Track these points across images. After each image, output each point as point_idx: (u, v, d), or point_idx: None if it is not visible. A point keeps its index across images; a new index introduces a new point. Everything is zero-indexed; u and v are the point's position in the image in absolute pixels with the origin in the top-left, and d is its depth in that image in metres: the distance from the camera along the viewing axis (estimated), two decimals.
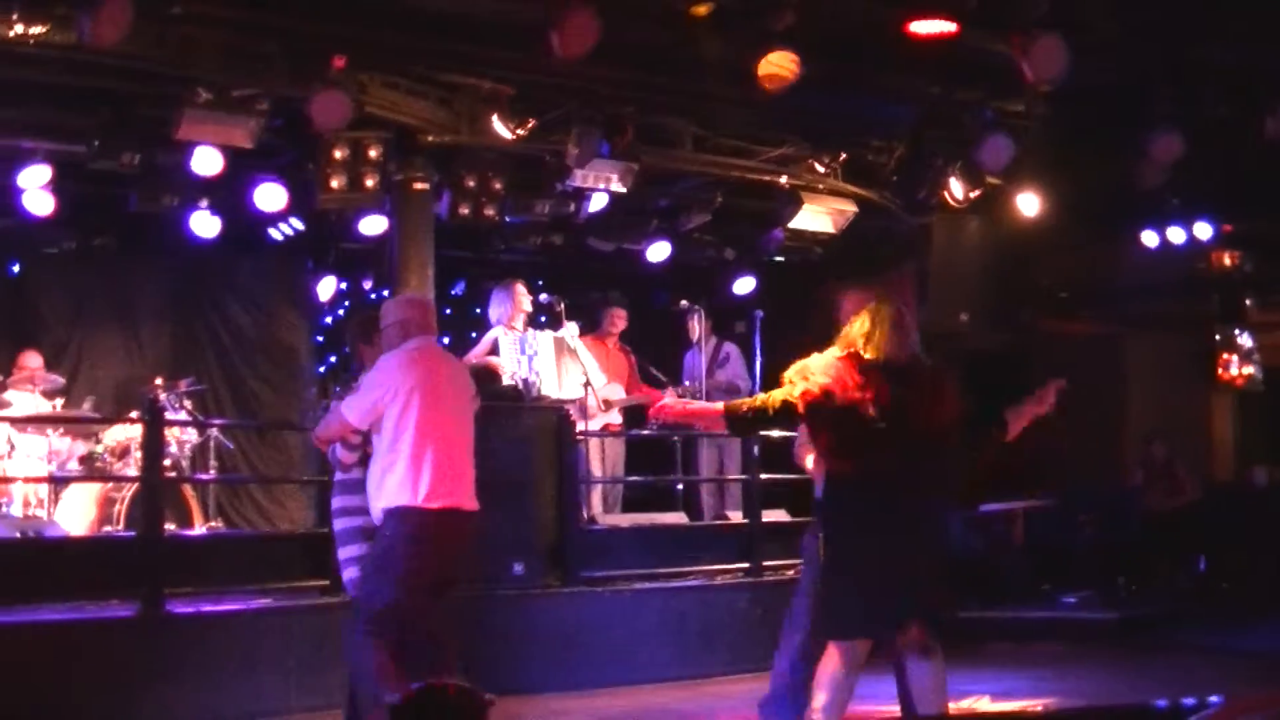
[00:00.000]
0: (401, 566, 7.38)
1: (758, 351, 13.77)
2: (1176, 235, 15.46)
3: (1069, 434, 7.21)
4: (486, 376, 12.57)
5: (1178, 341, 18.13)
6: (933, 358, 7.11)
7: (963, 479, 7.39)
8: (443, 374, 7.83)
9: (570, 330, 12.76)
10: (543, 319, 12.91)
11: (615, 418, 13.38)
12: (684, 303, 13.85)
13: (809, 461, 7.53)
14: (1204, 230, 15.38)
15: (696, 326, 13.75)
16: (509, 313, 12.66)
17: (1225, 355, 18.24)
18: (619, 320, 13.82)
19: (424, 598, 7.48)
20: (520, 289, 12.79)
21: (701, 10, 10.42)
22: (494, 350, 12.59)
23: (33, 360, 12.87)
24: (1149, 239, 15.64)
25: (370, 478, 7.59)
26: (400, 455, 7.45)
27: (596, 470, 12.98)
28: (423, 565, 7.44)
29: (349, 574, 7.85)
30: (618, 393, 13.43)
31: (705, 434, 13.59)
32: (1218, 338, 18.27)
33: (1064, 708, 9.14)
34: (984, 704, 9.06)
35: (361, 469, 7.76)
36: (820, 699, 6.85)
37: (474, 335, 13.57)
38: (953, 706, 9.05)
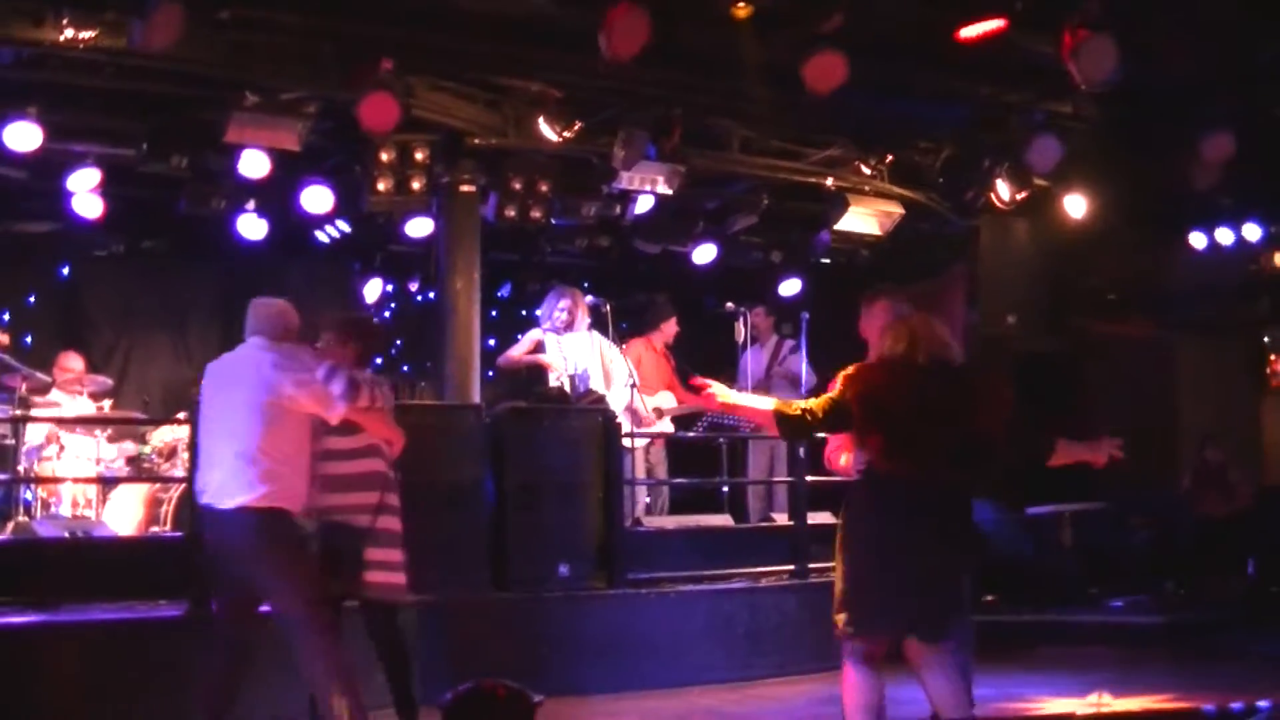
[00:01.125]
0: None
1: (804, 354, 13.74)
2: (1225, 237, 15.34)
3: (1120, 436, 6.99)
4: (531, 378, 12.61)
5: (1229, 345, 17.99)
6: (983, 361, 7.09)
7: (1007, 483, 7.32)
8: (230, 373, 7.81)
9: (605, 339, 12.78)
10: (589, 321, 12.91)
11: (668, 426, 13.38)
12: (730, 305, 13.83)
13: (842, 461, 7.43)
14: (1253, 232, 15.26)
15: (743, 329, 13.71)
16: (551, 314, 12.65)
17: (1276, 359, 18.09)
18: (672, 327, 13.81)
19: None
20: (571, 298, 12.77)
21: (742, 12, 10.40)
22: (539, 349, 12.61)
23: (73, 362, 12.91)
24: (1198, 241, 15.53)
25: None
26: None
27: (640, 474, 12.99)
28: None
29: None
30: (669, 401, 13.43)
31: (756, 436, 13.57)
32: (1268, 340, 18.13)
33: (1112, 711, 9.08)
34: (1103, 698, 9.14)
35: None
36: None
37: (518, 337, 13.58)
38: (1009, 707, 9.06)
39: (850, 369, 6.97)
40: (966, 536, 6.97)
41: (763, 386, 13.72)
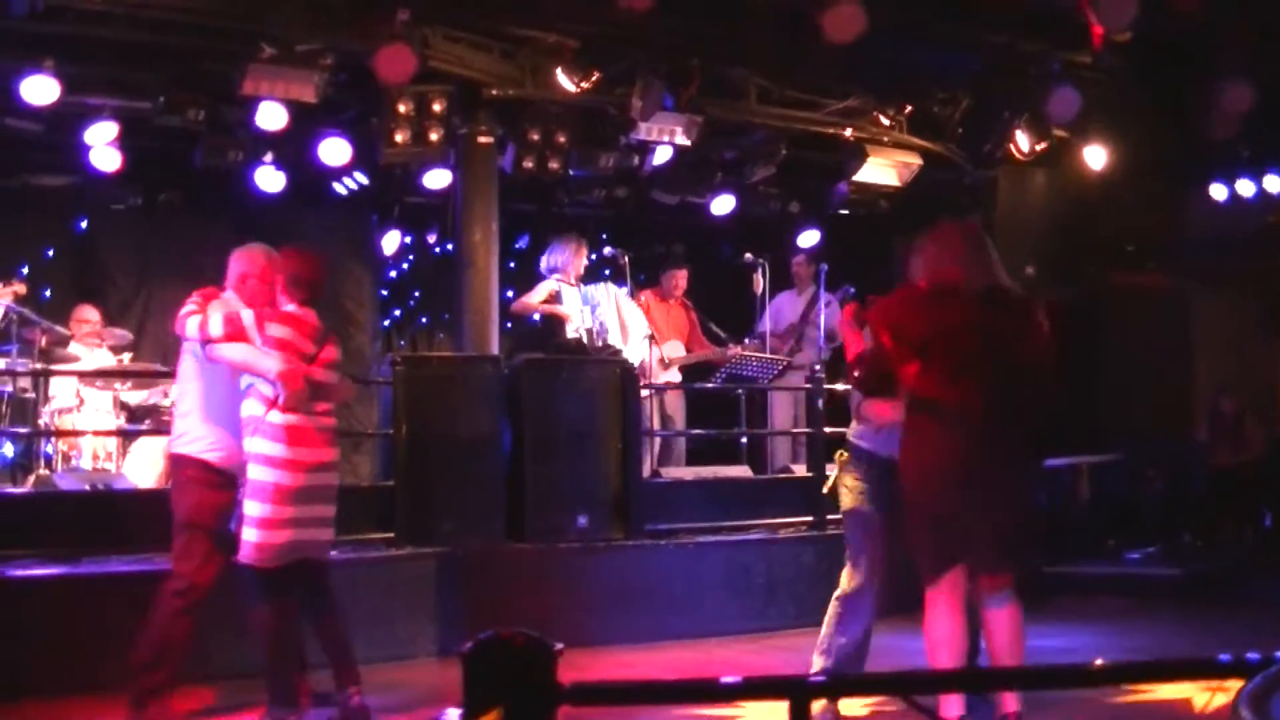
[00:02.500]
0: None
1: (821, 304, 13.75)
2: (1246, 188, 15.29)
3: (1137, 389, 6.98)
4: (552, 323, 12.62)
5: (1246, 296, 17.93)
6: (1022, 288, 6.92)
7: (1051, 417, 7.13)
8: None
9: (620, 291, 12.77)
10: (607, 271, 12.91)
11: (675, 375, 13.40)
12: (749, 256, 13.83)
13: (874, 407, 7.29)
14: (1274, 183, 15.19)
15: (762, 280, 13.71)
16: (567, 265, 12.66)
17: None
18: (680, 281, 13.81)
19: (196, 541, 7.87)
20: (582, 244, 12.77)
21: None
22: (555, 299, 12.61)
23: (90, 314, 12.93)
24: (1218, 192, 15.47)
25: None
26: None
27: (656, 425, 13.03)
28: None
29: None
30: (677, 350, 13.44)
31: (774, 387, 13.59)
32: None
33: (1128, 661, 9.08)
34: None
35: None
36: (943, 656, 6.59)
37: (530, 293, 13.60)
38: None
39: (873, 307, 6.88)
40: (1023, 472, 6.83)
41: (794, 332, 13.74)
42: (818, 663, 7.39)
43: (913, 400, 6.71)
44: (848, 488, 7.58)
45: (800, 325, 14.02)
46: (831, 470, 7.86)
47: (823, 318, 13.67)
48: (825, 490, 8.00)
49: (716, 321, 14.03)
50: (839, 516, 11.92)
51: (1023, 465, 6.83)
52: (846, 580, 7.55)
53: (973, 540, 6.56)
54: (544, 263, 13.02)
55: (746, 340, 13.66)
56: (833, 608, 7.54)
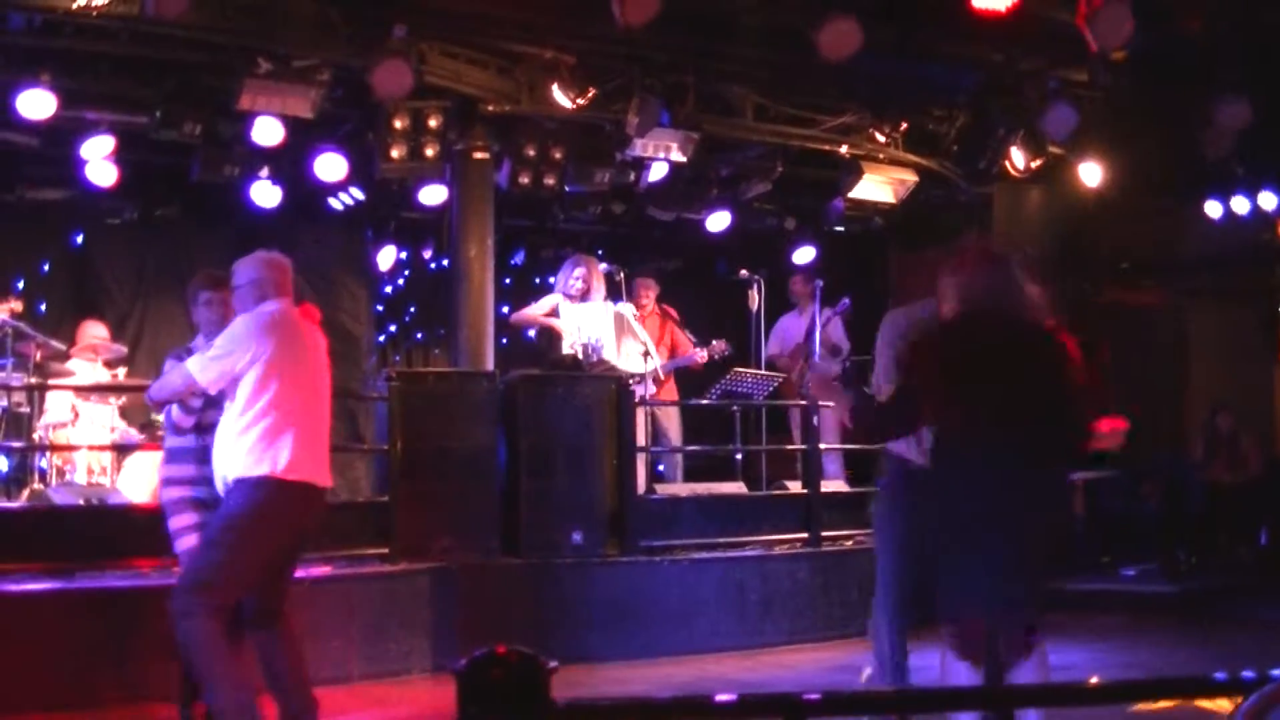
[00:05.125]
0: (247, 537, 6.93)
1: (817, 322, 13.74)
2: (1241, 205, 15.29)
3: (1132, 403, 6.71)
4: (549, 338, 12.61)
5: (1242, 313, 17.94)
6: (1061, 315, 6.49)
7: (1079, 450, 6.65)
8: (304, 341, 7.26)
9: (628, 309, 12.74)
10: (604, 291, 12.88)
11: (652, 387, 13.33)
12: (744, 272, 13.83)
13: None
14: (1269, 200, 15.20)
15: (757, 296, 13.69)
16: (584, 285, 12.52)
17: None
18: (646, 292, 13.72)
19: (262, 571, 7.04)
20: (582, 268, 12.68)
21: None
22: (555, 314, 12.59)
23: (96, 330, 12.93)
24: (1213, 209, 15.48)
25: (220, 445, 7.06)
26: (257, 424, 6.95)
27: (643, 442, 13.01)
28: (269, 538, 7.02)
29: (184, 543, 7.43)
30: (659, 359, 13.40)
31: (769, 403, 13.58)
32: None
33: (1123, 679, 9.08)
34: None
35: (195, 437, 7.44)
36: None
37: (532, 303, 13.57)
38: None
39: (893, 324, 6.71)
40: (1052, 507, 6.36)
41: (802, 352, 13.72)
42: (865, 673, 7.32)
43: (940, 439, 6.34)
44: (878, 496, 7.43)
45: (807, 345, 14.00)
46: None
47: (818, 333, 13.64)
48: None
49: (711, 335, 13.98)
50: (834, 534, 12.07)
51: (1053, 511, 6.42)
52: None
53: (990, 589, 6.10)
54: (559, 280, 12.93)
55: (713, 343, 13.47)
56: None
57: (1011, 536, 6.04)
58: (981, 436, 6.08)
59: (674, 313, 13.78)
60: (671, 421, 13.53)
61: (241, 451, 6.93)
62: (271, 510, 6.95)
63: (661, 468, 13.82)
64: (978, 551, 6.06)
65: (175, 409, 7.46)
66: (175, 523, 7.50)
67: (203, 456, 7.29)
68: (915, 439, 7.08)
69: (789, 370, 13.84)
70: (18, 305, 12.19)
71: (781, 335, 14.25)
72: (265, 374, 6.94)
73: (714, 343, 13.32)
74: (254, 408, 6.95)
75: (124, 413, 12.44)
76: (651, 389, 12.97)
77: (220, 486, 7.06)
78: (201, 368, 7.02)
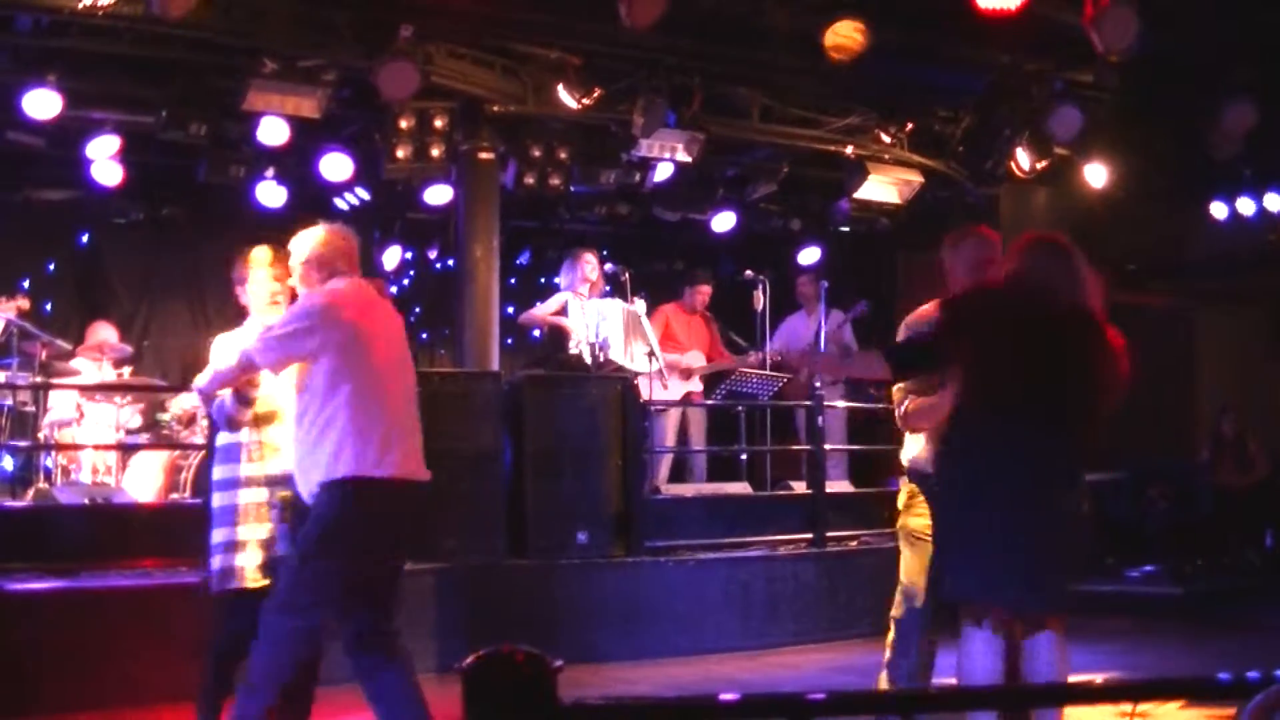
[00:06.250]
0: (343, 548, 6.13)
1: (823, 323, 13.75)
2: (1247, 207, 15.27)
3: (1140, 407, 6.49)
4: (556, 338, 12.62)
5: (1249, 315, 17.93)
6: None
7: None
8: (383, 321, 6.51)
9: (640, 306, 12.74)
10: (608, 289, 12.90)
11: (697, 385, 13.42)
12: (749, 273, 13.82)
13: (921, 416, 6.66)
14: (1275, 202, 15.18)
15: (762, 297, 13.69)
16: (576, 281, 12.62)
17: None
18: (702, 295, 13.81)
19: (370, 580, 6.27)
20: (588, 259, 12.74)
21: None
22: (563, 312, 12.60)
23: (107, 332, 12.95)
24: (1218, 211, 15.46)
25: (299, 445, 6.28)
26: (340, 416, 6.15)
27: (672, 440, 13.07)
28: (373, 544, 6.23)
29: (236, 557, 6.49)
30: (698, 360, 13.46)
31: (775, 404, 13.57)
32: None
33: (1129, 680, 9.06)
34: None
35: (252, 430, 6.56)
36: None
37: (537, 304, 13.57)
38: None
39: (951, 299, 6.25)
40: (1078, 494, 6.09)
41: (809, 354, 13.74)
42: (882, 684, 7.24)
43: (968, 411, 6.06)
44: (902, 507, 7.18)
45: (815, 345, 13.99)
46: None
47: (823, 334, 13.65)
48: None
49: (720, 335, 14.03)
50: (839, 534, 12.06)
51: (1080, 501, 6.12)
52: (896, 603, 7.29)
53: (1011, 574, 5.88)
54: (561, 281, 12.98)
55: (765, 347, 13.56)
56: (890, 632, 7.25)
57: (1041, 520, 5.88)
58: (1018, 413, 5.89)
59: (716, 325, 13.87)
60: (698, 423, 13.61)
61: (326, 451, 6.15)
62: (367, 514, 6.19)
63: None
64: (1003, 532, 5.84)
65: (229, 401, 6.49)
66: (230, 534, 6.53)
67: (260, 453, 6.56)
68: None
69: (794, 370, 13.85)
70: (24, 304, 12.20)
71: (789, 336, 14.26)
72: (343, 361, 6.19)
73: (751, 355, 13.42)
74: (334, 399, 6.16)
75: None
76: (684, 386, 13.06)
77: (305, 491, 6.29)
78: (263, 348, 6.26)
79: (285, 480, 6.46)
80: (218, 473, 6.64)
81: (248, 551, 6.48)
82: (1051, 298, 5.99)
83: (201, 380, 6.60)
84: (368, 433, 6.15)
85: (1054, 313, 5.98)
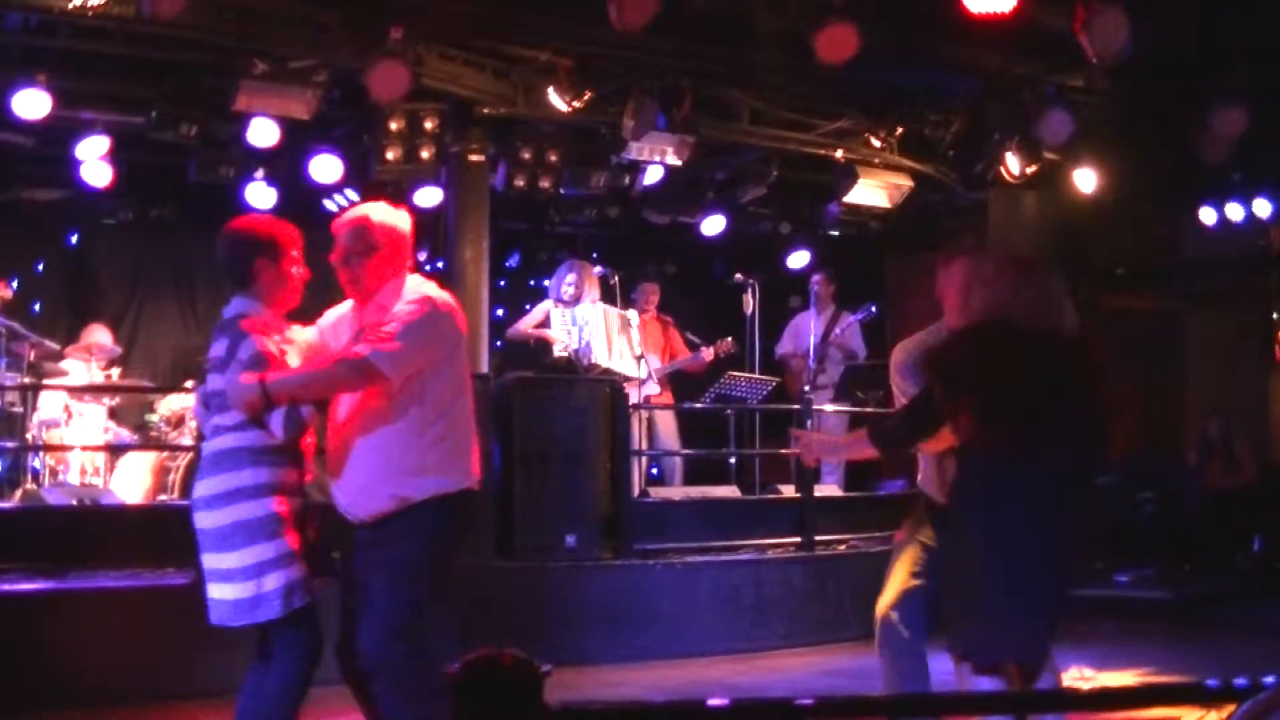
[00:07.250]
0: (444, 564, 5.99)
1: (812, 326, 13.75)
2: (1235, 212, 15.30)
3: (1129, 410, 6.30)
4: (539, 348, 12.61)
5: (1238, 319, 17.94)
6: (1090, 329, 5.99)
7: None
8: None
9: (633, 316, 12.73)
10: (597, 294, 12.89)
11: (655, 389, 13.35)
12: (738, 276, 13.81)
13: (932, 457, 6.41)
14: (1264, 208, 15.21)
15: (751, 300, 13.67)
16: (575, 290, 12.52)
17: None
18: (651, 295, 13.79)
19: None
20: (569, 278, 12.63)
21: None
22: (545, 323, 12.58)
23: (100, 334, 12.93)
24: (1207, 216, 15.49)
25: (394, 456, 5.81)
26: (449, 430, 5.89)
27: (642, 445, 13.03)
28: (452, 559, 6.11)
29: (284, 574, 5.71)
30: (654, 363, 13.40)
31: (764, 407, 13.57)
32: (1277, 315, 18.10)
33: (1117, 685, 9.08)
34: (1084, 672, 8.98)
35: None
36: None
37: (527, 307, 13.57)
38: None
39: (931, 350, 6.01)
40: (1081, 534, 5.92)
41: (817, 354, 13.72)
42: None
43: (965, 459, 5.80)
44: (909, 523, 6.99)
45: (823, 345, 13.98)
46: None
47: (819, 334, 13.67)
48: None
49: (705, 339, 13.98)
50: (827, 538, 12.06)
51: (1080, 546, 6.03)
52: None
53: (1016, 632, 5.65)
54: (552, 285, 12.95)
55: (718, 342, 13.46)
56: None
57: (1060, 577, 5.70)
58: (1025, 459, 5.60)
59: (669, 318, 13.80)
60: (668, 425, 13.54)
61: (433, 464, 5.83)
62: (461, 527, 6.07)
63: (655, 471, 13.84)
64: (1025, 595, 5.60)
65: (304, 408, 5.77)
66: (280, 546, 5.73)
67: (292, 457, 5.88)
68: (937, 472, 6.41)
69: (801, 370, 13.88)
70: (6, 292, 12.18)
71: (796, 334, 14.27)
72: (445, 369, 5.95)
73: (719, 341, 13.31)
74: (451, 411, 5.93)
75: (114, 413, 12.44)
76: (655, 389, 13.02)
77: (391, 505, 5.86)
78: (391, 360, 5.72)
79: (304, 484, 6.00)
80: (236, 480, 5.72)
81: (301, 562, 5.80)
82: (1040, 330, 5.72)
83: (287, 384, 5.70)
84: (465, 443, 6.01)
85: (1047, 345, 5.72)
